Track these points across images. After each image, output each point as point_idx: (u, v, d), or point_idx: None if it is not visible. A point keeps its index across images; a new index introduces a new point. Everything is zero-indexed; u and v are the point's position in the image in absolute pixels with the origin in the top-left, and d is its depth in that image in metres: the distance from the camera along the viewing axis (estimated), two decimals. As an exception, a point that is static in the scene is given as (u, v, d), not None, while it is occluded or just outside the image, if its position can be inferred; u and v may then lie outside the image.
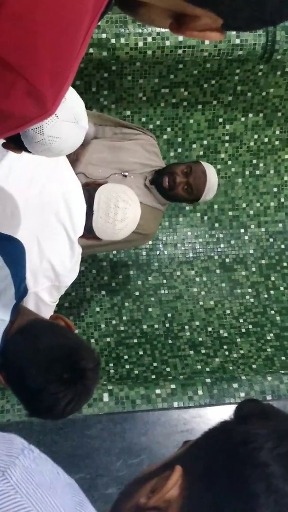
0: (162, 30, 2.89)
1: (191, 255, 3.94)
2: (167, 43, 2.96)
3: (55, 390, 1.67)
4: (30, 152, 1.70)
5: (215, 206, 3.96)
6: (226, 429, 0.90)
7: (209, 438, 0.92)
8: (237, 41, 3.02)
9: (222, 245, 3.97)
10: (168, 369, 3.43)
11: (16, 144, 1.68)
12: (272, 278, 3.92)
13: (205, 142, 3.82)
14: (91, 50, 2.92)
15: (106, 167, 3.01)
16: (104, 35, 2.91)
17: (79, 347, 1.77)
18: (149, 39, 2.94)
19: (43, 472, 0.80)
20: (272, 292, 3.88)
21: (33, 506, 0.74)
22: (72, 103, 1.71)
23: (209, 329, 3.70)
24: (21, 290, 1.93)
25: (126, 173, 3.03)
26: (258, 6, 0.83)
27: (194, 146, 3.82)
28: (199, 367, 3.44)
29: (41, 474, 0.79)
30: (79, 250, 2.28)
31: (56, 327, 1.85)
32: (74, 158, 2.96)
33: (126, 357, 3.51)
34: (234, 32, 2.94)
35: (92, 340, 3.59)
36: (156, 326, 3.71)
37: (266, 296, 3.87)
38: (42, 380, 1.67)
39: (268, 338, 3.66)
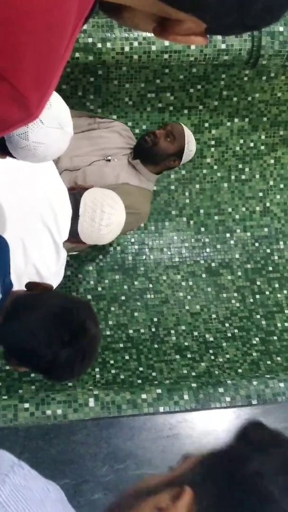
0: (148, 34, 2.90)
1: (177, 259, 3.94)
2: (153, 47, 2.96)
3: (65, 355, 1.72)
4: (14, 158, 1.70)
5: (201, 211, 3.97)
6: (238, 455, 0.89)
7: (218, 460, 0.90)
8: (223, 46, 3.03)
9: (208, 250, 3.97)
10: (154, 374, 3.42)
11: (1, 149, 1.68)
12: (258, 283, 3.93)
13: (191, 146, 3.83)
14: (77, 55, 2.92)
15: (88, 155, 3.04)
16: (90, 40, 2.91)
17: (66, 306, 1.81)
18: (135, 43, 2.94)
19: (32, 488, 0.79)
20: (257, 296, 3.89)
21: None
22: (57, 109, 1.71)
23: (195, 333, 3.70)
24: (6, 284, 1.92)
25: (110, 157, 3.07)
26: (240, 12, 0.83)
27: (180, 150, 3.82)
28: (185, 371, 3.44)
29: (30, 491, 0.78)
30: (65, 254, 2.27)
31: (35, 297, 1.88)
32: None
33: (112, 361, 3.50)
34: (219, 37, 2.95)
35: (78, 345, 3.58)
36: (142, 330, 3.70)
37: (251, 300, 3.87)
38: (49, 353, 1.73)
39: (254, 342, 3.66)
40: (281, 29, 3.01)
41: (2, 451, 0.83)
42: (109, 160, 3.07)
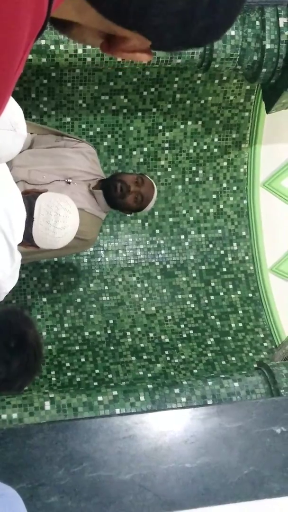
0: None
1: (132, 261, 3.95)
2: (107, 50, 2.96)
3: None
4: None
5: (156, 213, 3.99)
6: None
7: None
8: (176, 49, 3.04)
9: (163, 251, 4.00)
10: (110, 376, 3.43)
11: None
12: (212, 284, 3.97)
13: (145, 149, 3.85)
14: (30, 56, 2.91)
15: (49, 173, 3.01)
16: (43, 42, 2.89)
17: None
18: (89, 46, 2.95)
19: None
20: (212, 297, 3.93)
21: None
22: (9, 112, 1.70)
23: (151, 335, 3.72)
24: None
25: (70, 180, 3.04)
26: (183, 31, 0.87)
27: (134, 153, 3.84)
28: (141, 373, 3.45)
29: None
30: (19, 256, 2.26)
31: None
32: (16, 164, 2.94)
33: (68, 364, 3.50)
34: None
35: (33, 348, 3.56)
36: (98, 332, 3.70)
37: (206, 301, 3.91)
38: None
39: (209, 343, 3.70)
40: (233, 33, 3.05)
41: None
42: (69, 183, 3.03)
